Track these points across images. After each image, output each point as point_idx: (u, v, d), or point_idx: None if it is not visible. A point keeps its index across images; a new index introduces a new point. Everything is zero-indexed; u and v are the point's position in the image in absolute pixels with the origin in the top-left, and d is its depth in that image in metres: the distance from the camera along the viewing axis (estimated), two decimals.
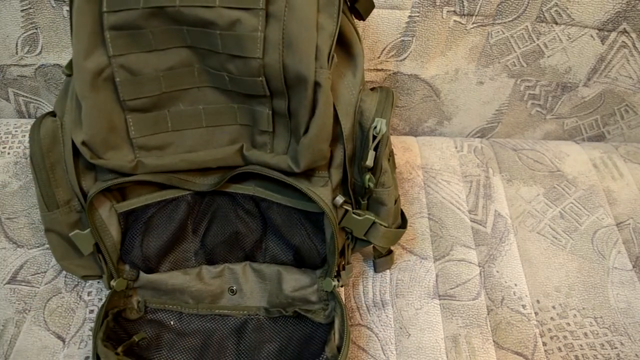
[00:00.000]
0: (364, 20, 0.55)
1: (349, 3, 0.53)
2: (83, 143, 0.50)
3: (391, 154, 0.59)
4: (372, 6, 0.55)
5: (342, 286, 0.62)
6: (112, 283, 0.59)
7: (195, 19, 0.47)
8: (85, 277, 0.63)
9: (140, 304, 0.62)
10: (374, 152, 0.54)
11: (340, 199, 0.56)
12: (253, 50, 0.47)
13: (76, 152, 0.53)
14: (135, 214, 0.59)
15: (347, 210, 0.58)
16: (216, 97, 0.53)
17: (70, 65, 0.50)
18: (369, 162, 0.54)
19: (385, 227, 0.59)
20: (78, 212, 0.56)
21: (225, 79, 0.51)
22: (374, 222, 0.58)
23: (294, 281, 0.62)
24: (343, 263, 0.61)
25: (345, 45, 0.54)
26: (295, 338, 0.60)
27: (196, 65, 0.51)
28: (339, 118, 0.53)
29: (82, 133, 0.50)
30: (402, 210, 0.64)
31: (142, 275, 0.61)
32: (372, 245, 0.62)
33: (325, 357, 0.54)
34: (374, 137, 0.53)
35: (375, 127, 0.53)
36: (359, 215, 0.58)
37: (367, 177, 0.55)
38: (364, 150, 0.54)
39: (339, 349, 0.55)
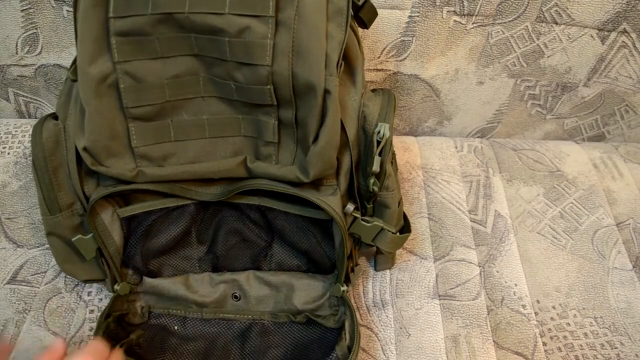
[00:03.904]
0: (367, 28, 0.55)
1: (353, 12, 0.53)
2: (84, 149, 0.50)
3: (393, 157, 0.59)
4: (375, 15, 0.54)
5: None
6: (116, 287, 0.58)
7: (204, 26, 0.46)
8: (88, 281, 0.63)
9: (144, 310, 0.62)
10: (379, 157, 0.53)
11: (350, 207, 0.55)
12: (262, 58, 0.47)
13: (79, 156, 0.52)
14: (137, 220, 0.59)
15: (355, 217, 0.57)
16: (221, 108, 0.52)
17: (75, 70, 0.49)
18: (375, 167, 0.53)
19: (392, 233, 0.59)
20: (80, 216, 0.56)
21: (232, 88, 0.50)
22: (382, 229, 0.58)
23: (305, 292, 0.62)
24: (352, 265, 0.60)
25: (346, 51, 0.53)
26: (302, 342, 0.60)
27: (202, 74, 0.51)
28: (344, 125, 0.53)
29: (84, 139, 0.50)
30: (404, 213, 0.64)
31: (146, 279, 0.61)
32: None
33: (335, 355, 0.55)
34: (378, 142, 0.53)
35: (379, 132, 0.53)
36: (367, 222, 0.57)
37: (372, 181, 0.55)
38: (368, 155, 0.54)
39: (349, 348, 0.55)
